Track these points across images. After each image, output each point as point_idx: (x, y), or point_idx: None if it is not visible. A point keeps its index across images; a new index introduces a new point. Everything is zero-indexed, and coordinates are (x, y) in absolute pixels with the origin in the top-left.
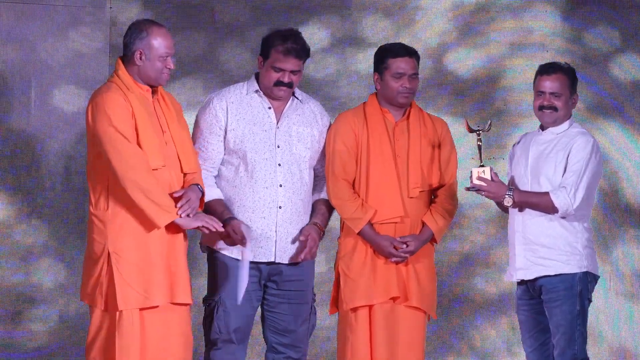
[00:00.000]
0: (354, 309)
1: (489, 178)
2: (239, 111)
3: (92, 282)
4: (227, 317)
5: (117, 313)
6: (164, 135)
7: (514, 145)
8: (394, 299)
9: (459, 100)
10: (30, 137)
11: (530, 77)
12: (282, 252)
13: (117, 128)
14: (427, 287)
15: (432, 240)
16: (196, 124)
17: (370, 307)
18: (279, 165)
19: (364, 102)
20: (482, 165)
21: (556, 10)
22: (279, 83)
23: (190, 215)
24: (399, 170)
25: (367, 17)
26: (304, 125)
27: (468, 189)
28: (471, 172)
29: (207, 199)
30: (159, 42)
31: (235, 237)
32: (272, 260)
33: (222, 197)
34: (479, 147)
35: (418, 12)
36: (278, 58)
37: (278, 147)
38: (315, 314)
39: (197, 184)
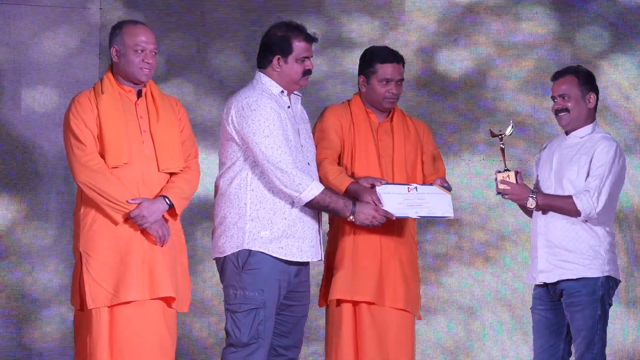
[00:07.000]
0: (338, 304)
1: (514, 181)
2: (281, 112)
3: (74, 284)
4: (267, 322)
5: (89, 312)
6: (142, 135)
7: (540, 150)
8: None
9: (446, 101)
10: (20, 137)
11: (521, 78)
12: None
13: (74, 132)
14: (413, 288)
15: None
16: (258, 128)
17: (355, 304)
18: (308, 164)
19: (349, 100)
20: (507, 170)
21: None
22: (307, 72)
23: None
24: (383, 169)
25: (353, 18)
26: (305, 122)
27: (498, 193)
28: (495, 176)
29: (313, 194)
30: (130, 36)
31: (380, 218)
32: (320, 258)
33: (322, 187)
34: (502, 151)
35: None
36: (304, 47)
37: (302, 146)
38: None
39: (166, 196)
